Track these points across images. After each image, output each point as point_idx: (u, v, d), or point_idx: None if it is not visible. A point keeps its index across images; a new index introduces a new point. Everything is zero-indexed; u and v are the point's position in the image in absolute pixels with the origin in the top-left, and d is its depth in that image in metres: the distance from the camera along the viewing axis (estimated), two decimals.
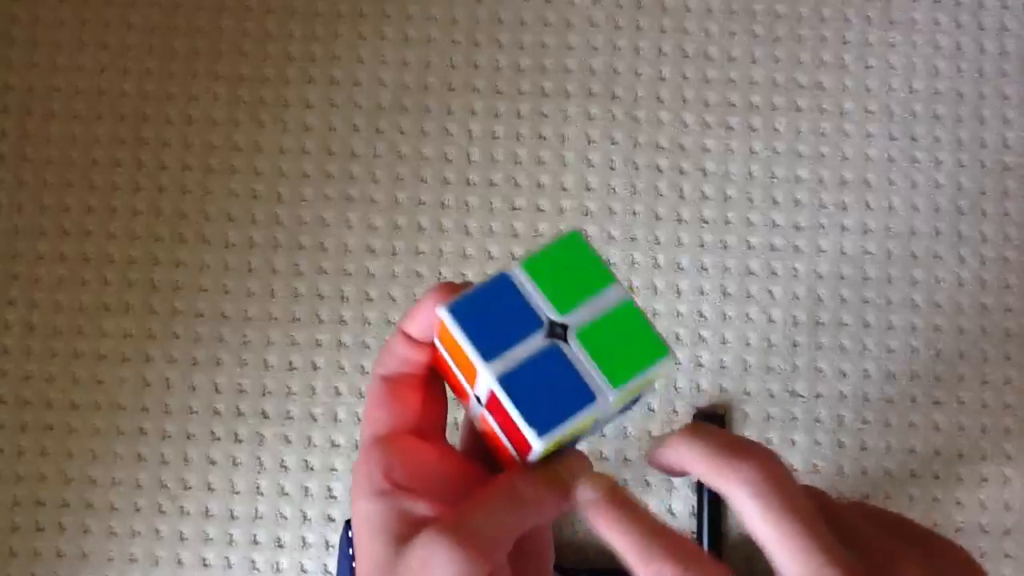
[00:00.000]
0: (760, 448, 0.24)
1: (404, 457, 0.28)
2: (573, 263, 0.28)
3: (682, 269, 0.85)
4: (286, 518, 0.81)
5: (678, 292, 0.85)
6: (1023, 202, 0.87)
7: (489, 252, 0.85)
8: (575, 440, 0.28)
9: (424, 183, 0.87)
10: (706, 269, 0.85)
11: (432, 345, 0.29)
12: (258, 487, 0.81)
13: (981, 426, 0.83)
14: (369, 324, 0.84)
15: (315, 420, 0.83)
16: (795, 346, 0.84)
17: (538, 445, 0.26)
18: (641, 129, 0.87)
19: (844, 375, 0.84)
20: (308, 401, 0.83)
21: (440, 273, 0.85)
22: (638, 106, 0.88)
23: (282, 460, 0.82)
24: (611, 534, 0.24)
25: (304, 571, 0.80)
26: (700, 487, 0.81)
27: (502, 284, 0.28)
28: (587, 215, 0.86)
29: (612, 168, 0.87)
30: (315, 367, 0.83)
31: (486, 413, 0.28)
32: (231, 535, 0.81)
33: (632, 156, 0.87)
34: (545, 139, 0.87)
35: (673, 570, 0.23)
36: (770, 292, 0.85)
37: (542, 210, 0.86)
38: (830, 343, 0.84)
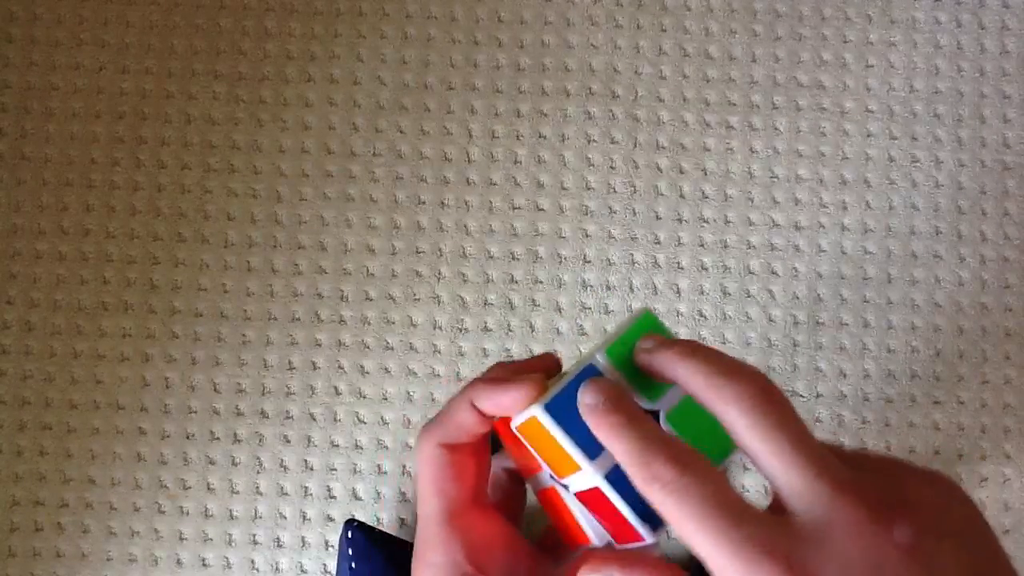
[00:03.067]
0: (752, 369, 0.24)
1: (479, 537, 0.28)
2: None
3: (682, 268, 0.85)
4: (285, 518, 0.81)
5: (678, 292, 0.85)
6: (1023, 202, 0.87)
7: (489, 251, 0.85)
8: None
9: (424, 182, 0.86)
10: (706, 268, 0.85)
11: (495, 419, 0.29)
12: (257, 487, 0.81)
13: (981, 426, 0.83)
14: (369, 324, 0.84)
15: (314, 420, 0.82)
16: (795, 346, 0.84)
17: (651, 539, 0.25)
18: (641, 128, 0.87)
19: (844, 375, 0.84)
20: (308, 401, 0.83)
21: (440, 272, 0.85)
22: (638, 105, 0.88)
23: (281, 460, 0.82)
24: (610, 438, 0.24)
25: (304, 571, 0.80)
26: None
27: (590, 375, 0.27)
28: (587, 214, 0.86)
29: (612, 167, 0.87)
30: (314, 367, 0.83)
31: (565, 494, 0.28)
32: (230, 535, 0.81)
33: (632, 155, 0.87)
34: (545, 138, 0.87)
35: (670, 472, 0.22)
36: (770, 292, 0.85)
37: (542, 209, 0.86)
38: (830, 343, 0.84)
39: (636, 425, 0.24)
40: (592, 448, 0.26)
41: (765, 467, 0.23)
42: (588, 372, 0.27)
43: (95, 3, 0.88)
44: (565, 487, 0.28)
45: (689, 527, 0.22)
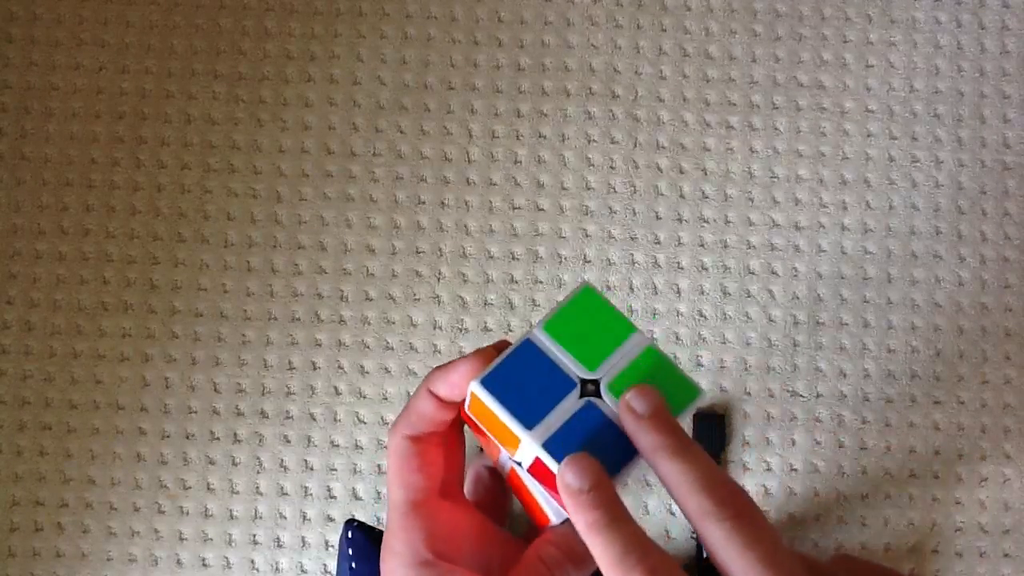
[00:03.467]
0: (735, 487, 0.24)
1: (442, 525, 0.29)
2: (591, 317, 0.29)
3: (682, 268, 0.85)
4: (285, 518, 0.81)
5: (678, 292, 0.85)
6: (1023, 202, 0.87)
7: (489, 251, 0.85)
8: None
9: (424, 182, 0.86)
10: (706, 268, 0.85)
11: (459, 404, 0.29)
12: (257, 487, 0.81)
13: (981, 426, 0.83)
14: (369, 324, 0.84)
15: (314, 420, 0.82)
16: (795, 346, 0.84)
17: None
18: (641, 128, 0.87)
19: (844, 375, 0.84)
20: (308, 401, 0.83)
21: (440, 272, 0.85)
22: (638, 105, 0.88)
23: (281, 460, 0.82)
24: (591, 534, 0.24)
25: (304, 571, 0.80)
26: None
27: (528, 350, 0.28)
28: (587, 214, 0.86)
29: (612, 167, 0.87)
30: (315, 367, 0.83)
31: (522, 472, 0.29)
32: (230, 535, 0.81)
33: (632, 155, 0.87)
34: (545, 138, 0.87)
35: None
36: (770, 292, 0.85)
37: (542, 209, 0.86)
38: (830, 343, 0.84)
39: (618, 527, 0.24)
40: (529, 418, 0.27)
41: None
42: (526, 346, 0.28)
43: (95, 3, 0.88)
44: (519, 464, 0.28)
45: None
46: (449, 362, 0.28)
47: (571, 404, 0.27)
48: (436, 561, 0.27)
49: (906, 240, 0.86)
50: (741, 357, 0.84)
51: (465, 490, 0.32)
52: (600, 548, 0.23)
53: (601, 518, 0.24)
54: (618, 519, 0.24)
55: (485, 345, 0.30)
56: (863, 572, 0.24)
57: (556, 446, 0.26)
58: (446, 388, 0.28)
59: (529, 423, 0.26)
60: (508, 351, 0.28)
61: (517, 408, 0.27)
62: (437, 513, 0.28)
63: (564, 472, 0.25)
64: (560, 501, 0.26)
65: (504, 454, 0.28)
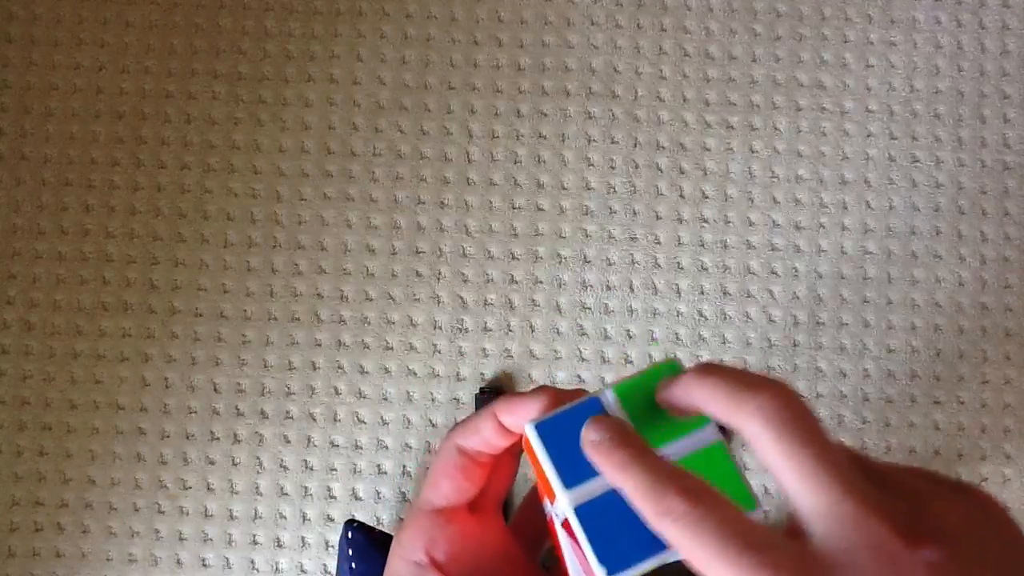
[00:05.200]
0: (776, 381, 0.23)
1: (452, 537, 0.28)
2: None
3: (682, 268, 0.85)
4: (285, 518, 0.81)
5: (678, 291, 0.85)
6: (1023, 202, 0.87)
7: (489, 251, 0.85)
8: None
9: (424, 182, 0.86)
10: (706, 268, 0.85)
11: (520, 435, 0.29)
12: (257, 487, 0.81)
13: (981, 426, 0.83)
14: (368, 324, 0.84)
15: (314, 420, 0.82)
16: (795, 346, 0.84)
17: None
18: (641, 128, 0.87)
19: (844, 375, 0.84)
20: (307, 401, 0.83)
21: (440, 272, 0.85)
22: (638, 105, 0.88)
23: (281, 460, 0.82)
24: (618, 474, 0.23)
25: (303, 571, 0.80)
26: None
27: (592, 407, 0.27)
28: (587, 214, 0.86)
29: (612, 167, 0.87)
30: (314, 367, 0.83)
31: (557, 523, 0.28)
32: (230, 535, 0.81)
33: (632, 155, 0.87)
34: (545, 138, 0.87)
35: (683, 505, 0.22)
36: (770, 292, 0.85)
37: (542, 209, 0.86)
38: (830, 343, 0.84)
39: (645, 459, 0.23)
40: (571, 477, 0.25)
41: (787, 485, 0.22)
42: (591, 404, 0.26)
43: (95, 3, 0.88)
44: (556, 516, 0.28)
45: (705, 558, 0.21)
46: (524, 392, 0.28)
47: None
48: (427, 566, 0.27)
49: (906, 240, 0.86)
50: (741, 357, 0.84)
51: (516, 511, 0.32)
52: (632, 484, 0.23)
53: (626, 456, 0.23)
54: (643, 454, 0.23)
55: (571, 388, 0.29)
56: (919, 481, 0.23)
57: (589, 514, 0.25)
58: (511, 418, 0.27)
59: (569, 483, 0.25)
60: (572, 403, 0.26)
61: (562, 463, 0.25)
62: (454, 524, 0.28)
63: (586, 431, 0.25)
64: (582, 565, 0.25)
65: (548, 504, 0.28)
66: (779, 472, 0.22)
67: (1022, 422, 0.83)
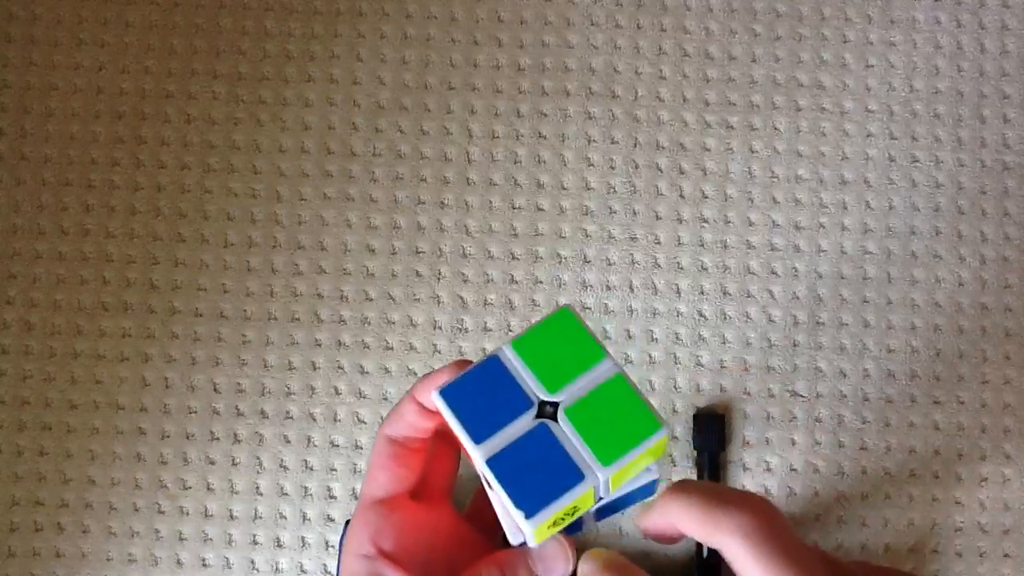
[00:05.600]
0: (754, 496, 0.23)
1: (397, 526, 0.29)
2: (563, 340, 0.28)
3: (682, 268, 0.85)
4: (285, 518, 0.81)
5: (678, 292, 0.85)
6: (1023, 201, 0.87)
7: (489, 251, 0.85)
8: (575, 525, 0.28)
9: (424, 182, 0.86)
10: (706, 269, 0.85)
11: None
12: (257, 487, 0.81)
13: (981, 426, 0.83)
14: (368, 324, 0.84)
15: (314, 420, 0.82)
16: (795, 346, 0.84)
17: (527, 527, 0.25)
18: (641, 128, 0.87)
19: (844, 375, 0.84)
20: (307, 401, 0.83)
21: (440, 272, 0.85)
22: (638, 105, 0.88)
23: (281, 460, 0.82)
24: None
25: (304, 571, 0.80)
26: (698, 466, 0.81)
27: (492, 365, 0.28)
28: (587, 214, 0.86)
29: (612, 167, 0.87)
30: (314, 367, 0.83)
31: (487, 489, 0.28)
32: (230, 535, 0.81)
33: (632, 155, 0.87)
34: (545, 138, 0.87)
35: None
36: (770, 292, 0.85)
37: (542, 209, 0.86)
38: (830, 343, 0.84)
39: None
40: (479, 433, 0.26)
41: None
42: (491, 362, 0.28)
43: (95, 3, 0.88)
44: (485, 481, 0.28)
45: None
46: (435, 370, 0.28)
47: (524, 424, 0.27)
48: (375, 556, 0.28)
49: (906, 240, 0.86)
50: (741, 357, 0.84)
51: (469, 501, 0.32)
52: None
53: None
54: None
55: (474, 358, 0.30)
56: (882, 574, 0.23)
57: (500, 464, 0.26)
58: (426, 396, 0.28)
59: (478, 438, 0.26)
60: (472, 365, 0.27)
61: (470, 422, 0.27)
62: (397, 513, 0.29)
63: (582, 567, 0.25)
64: (510, 520, 0.26)
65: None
66: None
67: (1022, 422, 0.83)
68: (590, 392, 0.27)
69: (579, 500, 0.25)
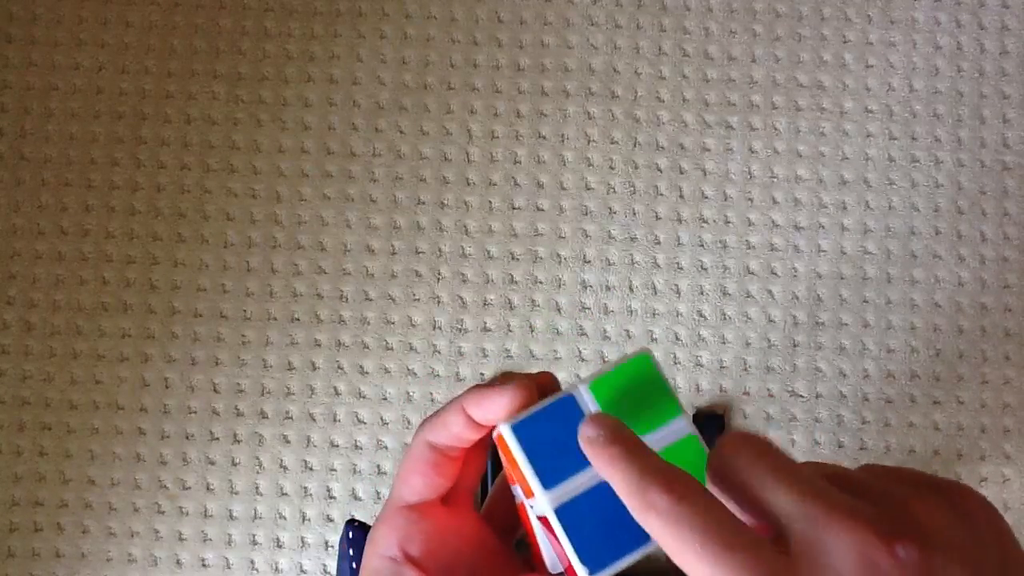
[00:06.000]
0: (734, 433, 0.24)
1: (426, 532, 0.29)
2: (640, 387, 0.28)
3: (682, 269, 0.85)
4: (285, 518, 0.81)
5: (678, 292, 0.85)
6: (1023, 202, 0.87)
7: (488, 251, 0.85)
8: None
9: (423, 182, 0.86)
10: (706, 269, 0.85)
11: (489, 428, 0.29)
12: (257, 487, 0.81)
13: (980, 426, 0.83)
14: (368, 324, 0.84)
15: (314, 420, 0.82)
16: (795, 346, 0.84)
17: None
18: (641, 128, 0.87)
19: (844, 375, 0.84)
20: (307, 401, 0.83)
21: (439, 272, 0.85)
22: (638, 105, 0.88)
23: (281, 460, 0.82)
24: (608, 469, 0.23)
25: (303, 571, 0.80)
26: None
27: (567, 405, 0.27)
28: (587, 214, 0.86)
29: (612, 167, 0.87)
30: (314, 367, 0.83)
31: (531, 513, 0.28)
32: (230, 535, 0.81)
33: (632, 155, 0.87)
34: (544, 138, 0.87)
35: (665, 500, 0.22)
36: (770, 292, 0.85)
37: (541, 209, 0.86)
38: (830, 343, 0.84)
39: (634, 454, 0.24)
40: (549, 477, 0.25)
41: (761, 500, 0.23)
42: (565, 402, 0.27)
43: (95, 3, 0.88)
44: (531, 507, 0.28)
45: (686, 554, 0.21)
46: (490, 385, 0.28)
47: (595, 474, 0.26)
48: (401, 560, 0.28)
49: (906, 240, 0.86)
50: (741, 357, 0.84)
51: (487, 499, 0.32)
52: (619, 478, 0.23)
53: (617, 451, 0.23)
54: (634, 449, 0.23)
55: (529, 372, 0.29)
56: (893, 474, 0.23)
57: (568, 514, 0.25)
58: (480, 412, 0.28)
59: (548, 483, 0.25)
60: (547, 401, 0.27)
61: (539, 463, 0.26)
62: (427, 519, 0.28)
63: (584, 427, 0.25)
64: (559, 556, 0.26)
65: (518, 487, 0.28)
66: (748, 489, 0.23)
67: (1022, 422, 0.83)
68: (664, 449, 0.26)
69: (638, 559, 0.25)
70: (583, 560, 0.25)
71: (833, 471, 0.24)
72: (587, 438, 0.25)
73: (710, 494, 0.22)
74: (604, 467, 0.24)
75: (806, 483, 0.22)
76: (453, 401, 0.28)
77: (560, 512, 0.26)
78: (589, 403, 0.27)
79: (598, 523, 0.25)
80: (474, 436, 0.28)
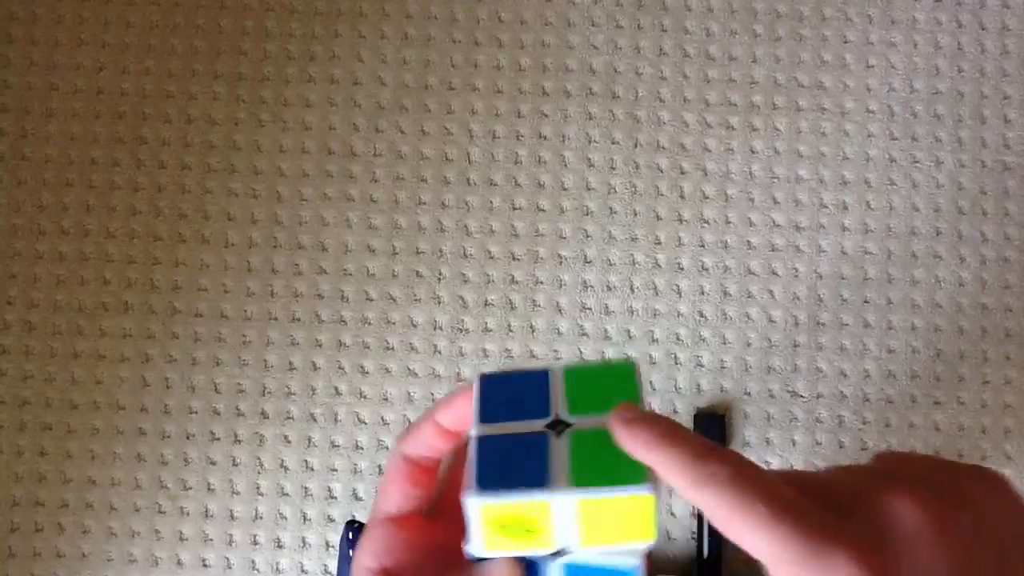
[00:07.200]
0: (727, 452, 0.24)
1: (406, 544, 0.29)
2: (612, 382, 0.29)
3: (683, 269, 0.85)
4: (286, 518, 0.81)
5: (679, 292, 0.85)
6: (1023, 202, 0.87)
7: (489, 252, 0.85)
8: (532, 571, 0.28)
9: (424, 182, 0.86)
10: (707, 269, 0.85)
11: (460, 435, 0.29)
12: (258, 487, 0.81)
13: (981, 427, 0.83)
14: (369, 324, 0.84)
15: (315, 420, 0.82)
16: (796, 346, 0.84)
17: (469, 504, 0.25)
18: (642, 129, 0.87)
19: (844, 375, 0.84)
20: (308, 401, 0.83)
21: (440, 272, 0.85)
22: (639, 105, 0.88)
23: (282, 460, 0.82)
24: (657, 447, 0.24)
25: (304, 571, 0.80)
26: None
27: (538, 376, 0.29)
28: (588, 215, 0.86)
29: (613, 168, 0.87)
30: (315, 367, 0.83)
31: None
32: (231, 535, 0.81)
33: (633, 156, 0.87)
34: (545, 138, 0.87)
35: (726, 469, 0.22)
36: (771, 292, 0.85)
37: (542, 210, 0.86)
38: (831, 343, 0.84)
39: (679, 433, 0.24)
40: (487, 416, 0.27)
41: (817, 478, 0.23)
42: (539, 373, 0.29)
43: (95, 3, 0.88)
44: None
45: (750, 520, 0.22)
46: (455, 392, 0.28)
47: (530, 427, 0.27)
48: (378, 570, 0.28)
49: (906, 241, 0.86)
50: (741, 357, 0.84)
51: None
52: (668, 458, 0.23)
53: (662, 431, 0.24)
54: (679, 430, 0.24)
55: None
56: (933, 466, 0.24)
57: (486, 447, 0.27)
58: (449, 417, 0.28)
59: (483, 419, 0.27)
60: (521, 368, 0.28)
61: (486, 406, 0.27)
62: (407, 531, 0.29)
63: (619, 411, 0.25)
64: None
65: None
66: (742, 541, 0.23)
67: (1022, 423, 0.83)
68: (604, 428, 0.27)
69: (534, 511, 0.25)
70: (476, 480, 0.26)
71: (884, 461, 0.25)
72: (624, 419, 0.25)
73: (765, 469, 0.23)
74: (650, 444, 0.24)
75: (861, 464, 0.23)
76: (423, 415, 0.29)
77: (480, 441, 0.27)
78: (558, 380, 0.28)
79: (507, 462, 0.26)
80: (445, 445, 0.29)
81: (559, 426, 0.27)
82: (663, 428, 0.24)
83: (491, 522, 0.26)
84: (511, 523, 0.26)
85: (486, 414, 0.27)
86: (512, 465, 0.26)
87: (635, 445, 0.25)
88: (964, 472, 0.24)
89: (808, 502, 0.22)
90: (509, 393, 0.28)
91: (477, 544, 0.26)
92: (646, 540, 0.25)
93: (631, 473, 0.25)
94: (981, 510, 0.22)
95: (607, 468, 0.25)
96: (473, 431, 0.27)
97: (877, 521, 0.22)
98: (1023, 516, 0.23)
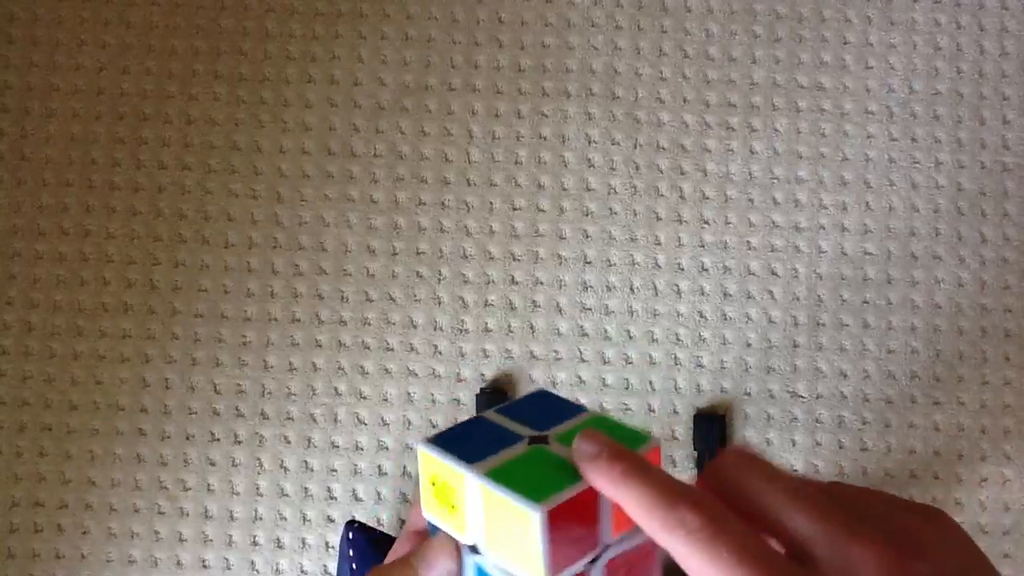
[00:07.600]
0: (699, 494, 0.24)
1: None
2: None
3: (683, 269, 0.85)
4: (286, 519, 0.81)
5: (679, 293, 0.85)
6: (1022, 203, 0.87)
7: (489, 252, 0.85)
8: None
9: (424, 183, 0.86)
10: (707, 270, 0.85)
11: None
12: (257, 488, 0.81)
13: (981, 427, 0.83)
14: (369, 324, 0.84)
15: (315, 421, 0.82)
16: (795, 347, 0.84)
17: (419, 447, 0.26)
18: (641, 129, 0.87)
19: (844, 376, 0.84)
20: (308, 402, 0.83)
21: (440, 273, 0.85)
22: (639, 106, 0.88)
23: (282, 461, 0.82)
24: (623, 486, 0.23)
25: (304, 572, 0.80)
26: (699, 467, 0.80)
27: (476, 422, 0.29)
28: (587, 215, 0.86)
29: (612, 168, 0.87)
30: (315, 368, 0.83)
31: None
32: (230, 536, 0.81)
33: (632, 156, 0.87)
34: (545, 139, 0.87)
35: (697, 519, 0.22)
36: (770, 293, 0.85)
37: (542, 210, 0.86)
38: (830, 344, 0.84)
39: (646, 472, 0.24)
40: (473, 458, 0.27)
41: (778, 523, 0.23)
42: (475, 421, 0.29)
43: (96, 4, 0.88)
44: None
45: (717, 567, 0.22)
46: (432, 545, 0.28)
47: (521, 431, 0.28)
48: None
49: (906, 241, 0.86)
50: (741, 358, 0.84)
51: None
52: (636, 496, 0.23)
53: (628, 468, 0.23)
54: (646, 468, 0.23)
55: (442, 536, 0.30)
56: (881, 504, 0.23)
57: (479, 423, 0.28)
58: (434, 573, 0.28)
59: (471, 460, 0.26)
60: (456, 424, 0.29)
61: (460, 453, 0.27)
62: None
63: (578, 442, 0.25)
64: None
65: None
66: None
67: (1022, 423, 0.83)
68: (577, 425, 0.27)
69: (454, 482, 0.25)
70: (435, 437, 0.27)
71: (830, 490, 0.25)
72: (587, 455, 0.24)
73: (735, 517, 0.23)
74: (614, 484, 0.23)
75: (822, 506, 0.23)
76: (401, 535, 0.28)
77: (477, 418, 0.27)
78: (498, 419, 0.28)
79: (469, 437, 0.27)
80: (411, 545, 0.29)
81: (538, 440, 0.28)
82: (628, 464, 0.24)
83: (430, 479, 0.26)
84: (442, 489, 0.26)
85: (468, 458, 0.27)
86: (472, 441, 0.27)
87: (601, 481, 0.24)
88: (919, 514, 0.24)
89: (774, 553, 0.22)
90: (466, 439, 0.28)
91: (422, 499, 0.27)
92: None
93: (536, 493, 0.25)
94: (936, 558, 0.23)
95: (529, 481, 0.25)
96: (471, 477, 0.27)
97: (840, 573, 0.22)
98: (970, 554, 0.24)
